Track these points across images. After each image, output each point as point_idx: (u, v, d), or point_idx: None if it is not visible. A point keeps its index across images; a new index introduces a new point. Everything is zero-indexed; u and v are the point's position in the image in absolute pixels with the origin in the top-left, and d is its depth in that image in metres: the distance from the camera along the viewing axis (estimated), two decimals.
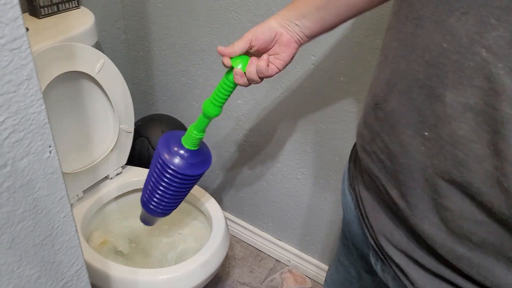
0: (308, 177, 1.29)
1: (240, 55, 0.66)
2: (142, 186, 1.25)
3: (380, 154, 0.47)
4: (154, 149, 1.33)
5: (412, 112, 0.40)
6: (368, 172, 0.52)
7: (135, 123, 1.37)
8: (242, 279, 1.48)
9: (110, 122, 1.17)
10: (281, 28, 0.64)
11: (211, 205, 1.18)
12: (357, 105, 1.08)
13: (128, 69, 1.51)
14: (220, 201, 1.59)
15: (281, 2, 1.05)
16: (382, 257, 0.53)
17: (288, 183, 1.35)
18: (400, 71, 0.42)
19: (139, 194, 1.26)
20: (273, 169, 1.36)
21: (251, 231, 1.57)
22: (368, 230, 0.55)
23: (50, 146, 0.43)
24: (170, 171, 0.82)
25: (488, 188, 0.36)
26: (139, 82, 1.52)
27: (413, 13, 0.40)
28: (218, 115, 0.76)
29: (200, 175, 0.86)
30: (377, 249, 0.53)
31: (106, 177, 1.22)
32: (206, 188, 1.55)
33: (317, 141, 1.20)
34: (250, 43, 0.65)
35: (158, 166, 0.83)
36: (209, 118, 0.77)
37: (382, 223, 0.51)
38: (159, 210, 0.90)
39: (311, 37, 0.65)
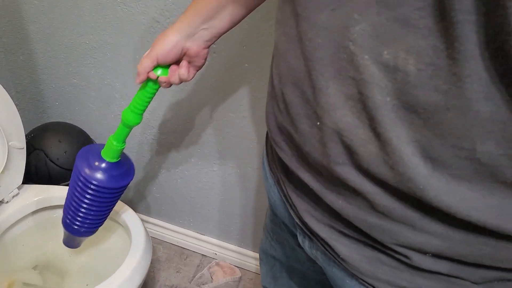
0: (224, 168, 1.26)
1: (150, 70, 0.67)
2: (44, 205, 1.14)
3: (288, 143, 0.49)
4: (52, 162, 1.21)
5: (306, 104, 0.43)
6: (280, 160, 0.54)
7: (26, 136, 1.23)
8: (169, 281, 1.42)
9: None
10: (186, 41, 0.64)
11: (126, 213, 1.10)
12: (265, 90, 1.06)
13: (9, 76, 1.34)
14: (135, 205, 1.51)
15: None
16: (308, 233, 0.55)
17: (204, 176, 1.31)
18: (290, 65, 0.44)
19: (42, 214, 1.16)
20: (187, 165, 1.31)
21: (172, 230, 1.51)
22: (293, 210, 0.56)
23: None
24: (92, 186, 0.79)
25: (376, 167, 0.39)
26: (24, 89, 1.36)
27: (294, 10, 0.42)
28: (139, 123, 0.75)
29: (125, 187, 0.84)
30: (303, 226, 0.55)
31: (1, 202, 1.08)
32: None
33: (229, 131, 1.17)
34: (157, 62, 0.65)
35: (79, 183, 0.80)
36: (130, 128, 0.76)
37: (305, 201, 0.52)
38: (84, 230, 0.87)
39: (221, 34, 0.66)
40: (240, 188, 1.28)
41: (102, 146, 0.81)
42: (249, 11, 0.64)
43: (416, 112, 0.34)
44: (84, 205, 0.82)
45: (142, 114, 0.74)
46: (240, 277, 1.44)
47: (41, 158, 1.21)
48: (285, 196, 0.58)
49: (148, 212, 1.52)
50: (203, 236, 1.48)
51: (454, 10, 0.29)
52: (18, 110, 1.05)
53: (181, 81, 0.68)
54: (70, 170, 1.23)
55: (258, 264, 1.44)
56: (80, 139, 1.28)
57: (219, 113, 1.15)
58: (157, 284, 1.40)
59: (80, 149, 0.84)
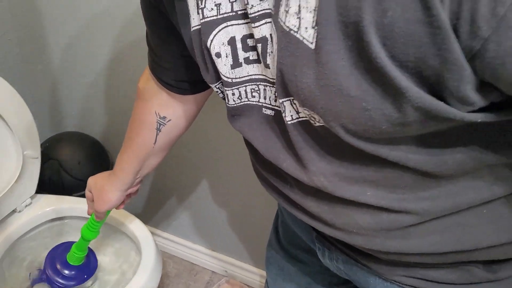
0: (238, 185, 1.24)
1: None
2: (57, 216, 1.13)
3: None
4: (66, 173, 1.20)
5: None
6: None
7: (41, 145, 1.23)
8: None
9: (11, 149, 1.02)
10: (127, 191, 0.80)
11: (136, 227, 1.08)
12: None
13: (27, 85, 1.35)
14: (146, 218, 1.49)
15: None
16: (328, 244, 0.60)
17: (218, 192, 1.29)
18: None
19: (54, 224, 1.15)
20: (201, 180, 1.29)
21: (183, 245, 1.49)
22: (312, 227, 0.61)
23: None
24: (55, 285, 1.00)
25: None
26: (42, 98, 1.37)
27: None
28: (96, 237, 0.93)
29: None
30: (324, 239, 0.61)
31: (14, 211, 1.08)
32: (129, 207, 1.44)
33: (244, 147, 1.15)
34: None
35: (46, 274, 1.01)
36: (89, 241, 0.94)
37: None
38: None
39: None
40: (253, 206, 1.26)
41: (71, 245, 0.99)
42: (166, 153, 0.77)
43: (341, 199, 0.45)
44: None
45: (98, 231, 0.92)
46: None
47: (55, 168, 1.21)
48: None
49: (159, 226, 1.50)
50: (214, 252, 1.45)
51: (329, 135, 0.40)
52: (35, 119, 1.05)
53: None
54: (84, 181, 1.21)
55: None
56: (95, 150, 1.28)
57: (234, 130, 1.13)
58: None
59: (53, 247, 1.05)
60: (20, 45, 1.27)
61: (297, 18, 0.34)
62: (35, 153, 1.07)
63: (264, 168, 0.54)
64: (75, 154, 1.23)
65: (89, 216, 0.92)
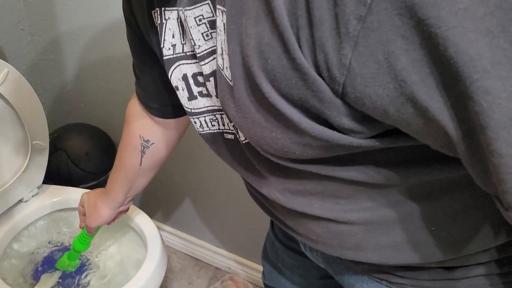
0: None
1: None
2: (63, 207, 1.13)
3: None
4: (74, 164, 1.20)
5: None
6: None
7: (49, 135, 1.23)
8: None
9: (20, 138, 1.02)
10: (119, 208, 0.84)
11: (143, 221, 1.08)
12: None
13: (38, 74, 1.35)
14: (152, 212, 1.49)
15: None
16: None
17: (224, 189, 1.29)
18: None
19: (60, 215, 1.15)
20: (208, 175, 1.29)
21: (187, 240, 1.49)
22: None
23: None
24: None
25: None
26: (51, 88, 1.37)
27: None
28: (87, 249, 0.98)
29: None
30: None
31: (20, 201, 1.08)
32: (136, 202, 1.44)
33: None
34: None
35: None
36: (79, 252, 0.98)
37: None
38: None
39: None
40: None
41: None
42: (154, 174, 0.80)
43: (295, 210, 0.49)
44: None
45: (89, 243, 0.95)
46: None
47: (62, 158, 1.21)
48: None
49: (164, 220, 1.50)
50: (218, 248, 1.45)
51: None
52: (44, 109, 1.05)
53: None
54: (91, 172, 1.22)
55: None
56: (103, 142, 1.28)
57: None
58: None
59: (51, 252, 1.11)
60: (32, 35, 1.27)
61: (222, 58, 0.39)
62: (44, 143, 1.07)
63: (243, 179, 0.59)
64: (83, 145, 1.23)
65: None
